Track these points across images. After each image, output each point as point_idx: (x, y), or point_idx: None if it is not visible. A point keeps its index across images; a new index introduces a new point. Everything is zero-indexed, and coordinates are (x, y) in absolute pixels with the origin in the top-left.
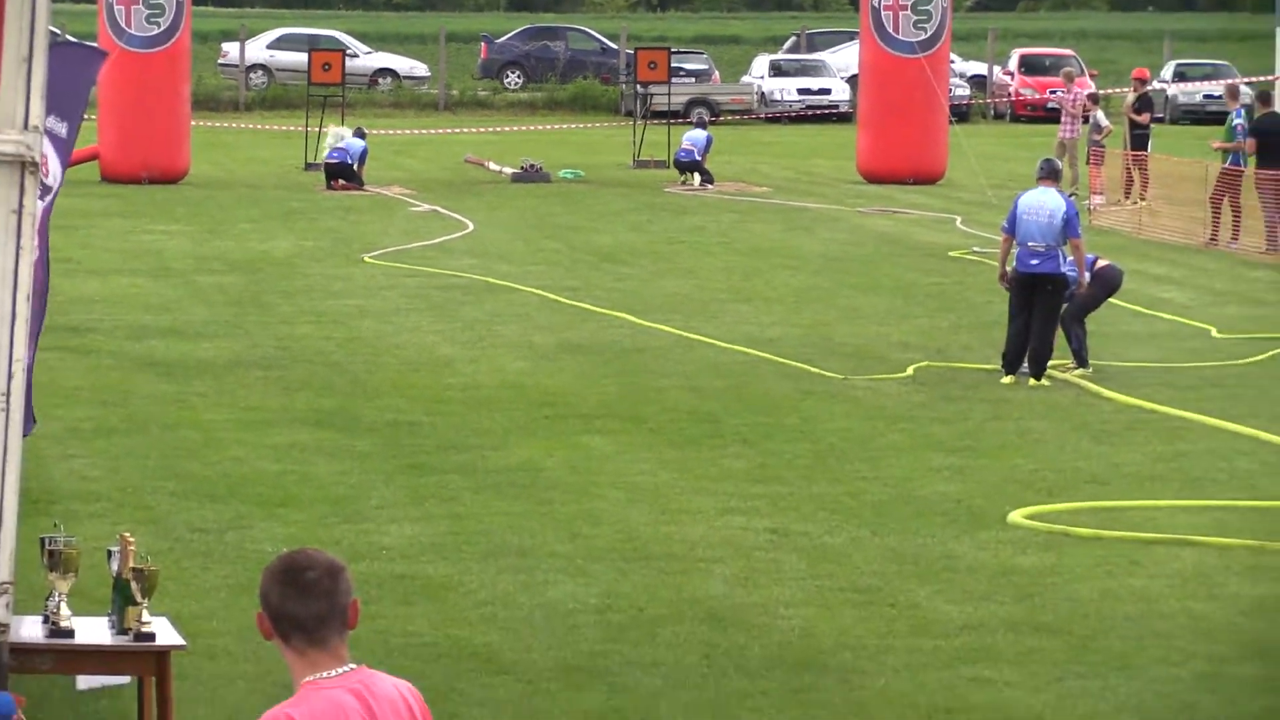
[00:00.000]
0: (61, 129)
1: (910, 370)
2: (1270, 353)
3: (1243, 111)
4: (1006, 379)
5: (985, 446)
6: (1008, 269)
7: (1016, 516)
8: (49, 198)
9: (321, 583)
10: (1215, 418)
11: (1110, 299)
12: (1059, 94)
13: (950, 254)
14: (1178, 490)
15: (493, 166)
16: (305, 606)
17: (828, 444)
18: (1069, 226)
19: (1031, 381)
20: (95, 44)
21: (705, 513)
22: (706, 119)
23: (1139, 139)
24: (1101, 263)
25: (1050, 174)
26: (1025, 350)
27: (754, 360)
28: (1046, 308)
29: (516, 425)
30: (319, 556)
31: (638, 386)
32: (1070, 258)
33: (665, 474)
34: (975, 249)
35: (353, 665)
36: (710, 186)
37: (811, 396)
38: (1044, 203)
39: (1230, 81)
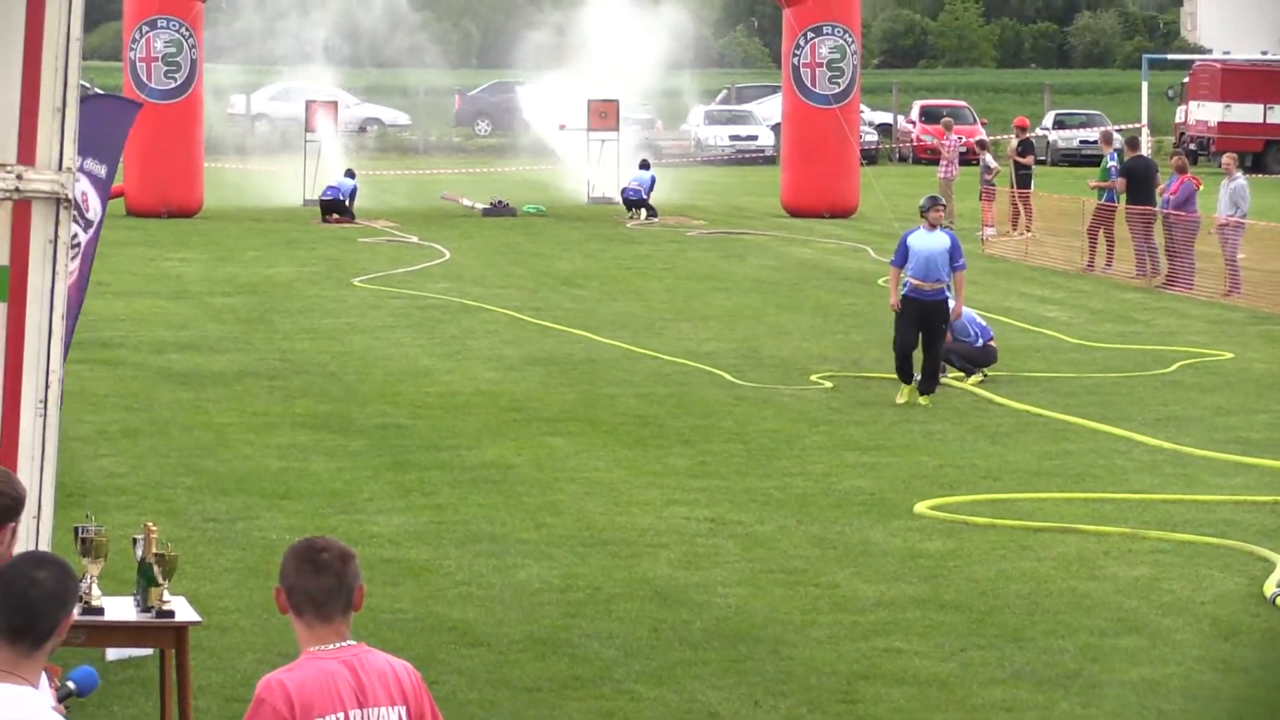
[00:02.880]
0: (101, 170)
1: (826, 379)
2: (1176, 364)
3: (1115, 155)
4: (905, 390)
5: (895, 446)
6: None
7: (922, 507)
8: (92, 230)
9: (333, 563)
10: (1094, 421)
11: (994, 318)
12: (946, 141)
13: (879, 281)
14: (1062, 484)
15: (466, 202)
16: (317, 581)
17: (758, 444)
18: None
19: (921, 399)
20: (125, 96)
21: (652, 504)
22: (650, 161)
23: (1023, 178)
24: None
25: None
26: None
27: (693, 371)
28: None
29: (488, 428)
30: (334, 542)
31: (593, 394)
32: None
33: (617, 470)
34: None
35: (352, 641)
36: (655, 220)
37: (744, 403)
38: (934, 238)
39: (1104, 129)
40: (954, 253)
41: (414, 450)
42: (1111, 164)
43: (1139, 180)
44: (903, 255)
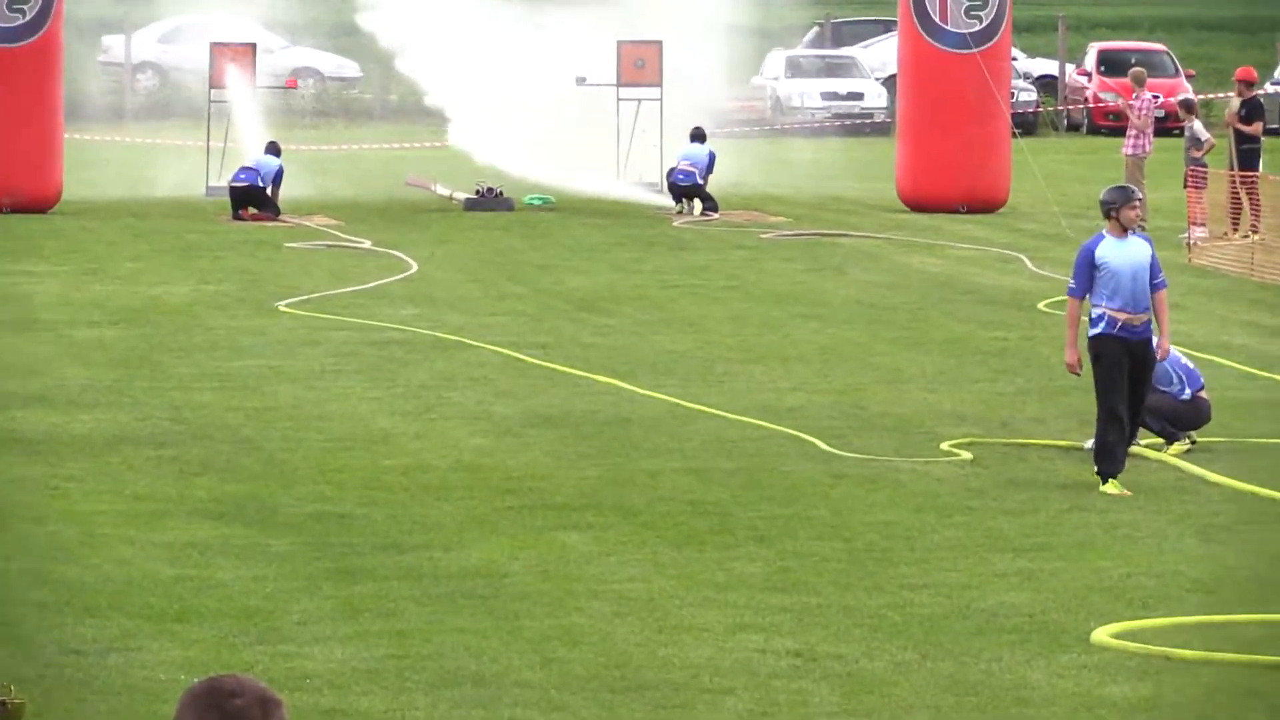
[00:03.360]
0: None
1: (963, 448)
2: None
3: None
4: (1108, 488)
5: (1062, 545)
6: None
7: (1103, 635)
8: None
9: (250, 713)
10: None
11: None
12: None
13: (1040, 305)
14: None
15: (441, 190)
16: None
17: (865, 542)
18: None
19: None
20: None
21: (712, 630)
22: (706, 131)
23: (1248, 155)
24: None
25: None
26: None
27: (771, 435)
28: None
29: (473, 518)
30: (250, 684)
31: (625, 469)
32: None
33: (661, 580)
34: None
35: None
36: (714, 215)
37: (844, 481)
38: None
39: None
40: (1153, 266)
41: (365, 551)
42: None
43: None
44: (1086, 278)
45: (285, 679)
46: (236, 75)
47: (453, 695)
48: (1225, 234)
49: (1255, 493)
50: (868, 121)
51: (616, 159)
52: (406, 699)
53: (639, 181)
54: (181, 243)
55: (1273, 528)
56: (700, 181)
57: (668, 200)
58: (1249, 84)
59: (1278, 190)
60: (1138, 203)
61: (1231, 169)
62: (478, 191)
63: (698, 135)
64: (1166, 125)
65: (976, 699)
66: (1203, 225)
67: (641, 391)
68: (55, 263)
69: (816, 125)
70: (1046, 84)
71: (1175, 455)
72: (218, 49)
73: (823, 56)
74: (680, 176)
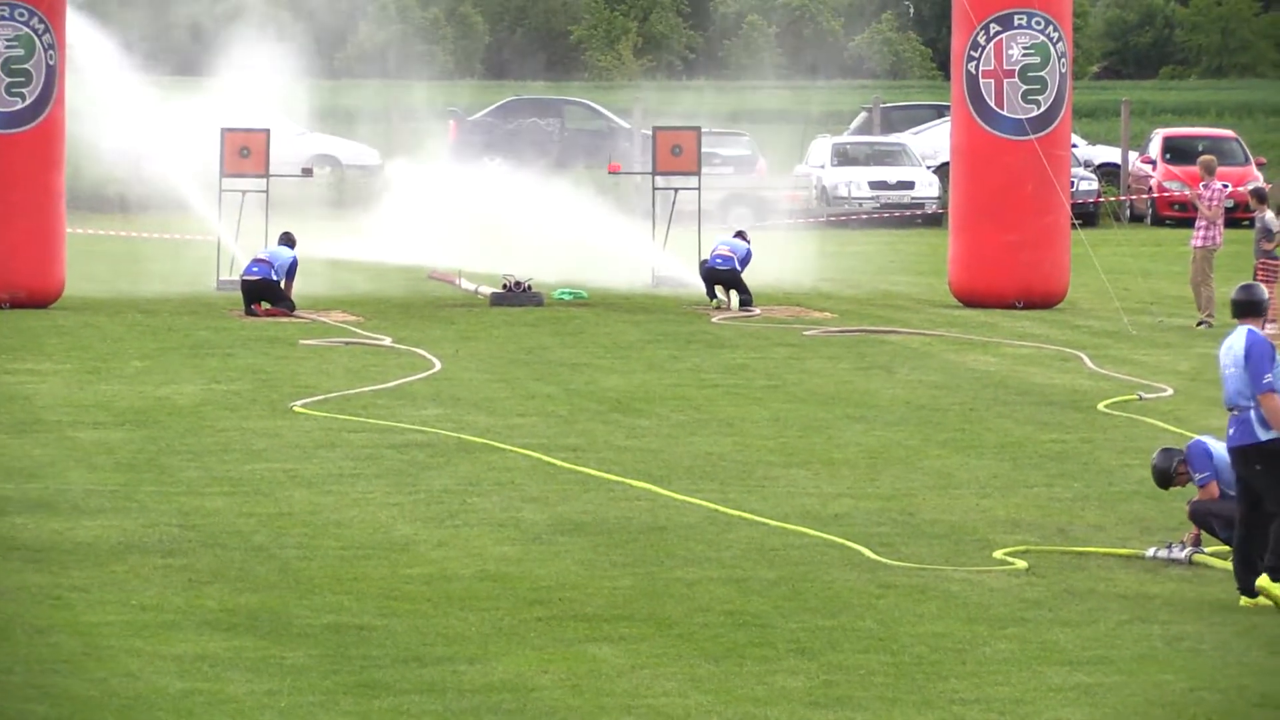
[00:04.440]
0: None
1: (1019, 556)
2: None
3: None
4: (1246, 601)
5: (1123, 658)
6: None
7: None
8: None
9: None
10: None
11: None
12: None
13: (1101, 406)
14: None
15: (466, 285)
16: None
17: (914, 655)
18: (1253, 374)
19: (1244, 601)
20: None
21: None
22: (748, 229)
23: None
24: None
25: (1249, 307)
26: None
27: (814, 543)
28: (1268, 495)
29: (499, 630)
30: None
31: (660, 578)
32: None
33: (698, 695)
34: (1141, 395)
35: None
36: (754, 310)
37: (891, 591)
38: (1232, 346)
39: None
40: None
41: (385, 665)
42: None
43: None
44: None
45: None
46: (249, 162)
47: None
48: None
49: None
50: (919, 212)
51: (650, 255)
52: None
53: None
54: (190, 340)
55: None
56: (738, 269)
57: (700, 285)
58: None
59: None
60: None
61: None
62: (505, 286)
63: (741, 235)
64: (1236, 215)
65: None
66: (1274, 320)
67: (678, 497)
68: (57, 360)
69: (865, 216)
70: (1109, 172)
71: (1224, 561)
72: (230, 135)
73: (871, 144)
74: (718, 261)
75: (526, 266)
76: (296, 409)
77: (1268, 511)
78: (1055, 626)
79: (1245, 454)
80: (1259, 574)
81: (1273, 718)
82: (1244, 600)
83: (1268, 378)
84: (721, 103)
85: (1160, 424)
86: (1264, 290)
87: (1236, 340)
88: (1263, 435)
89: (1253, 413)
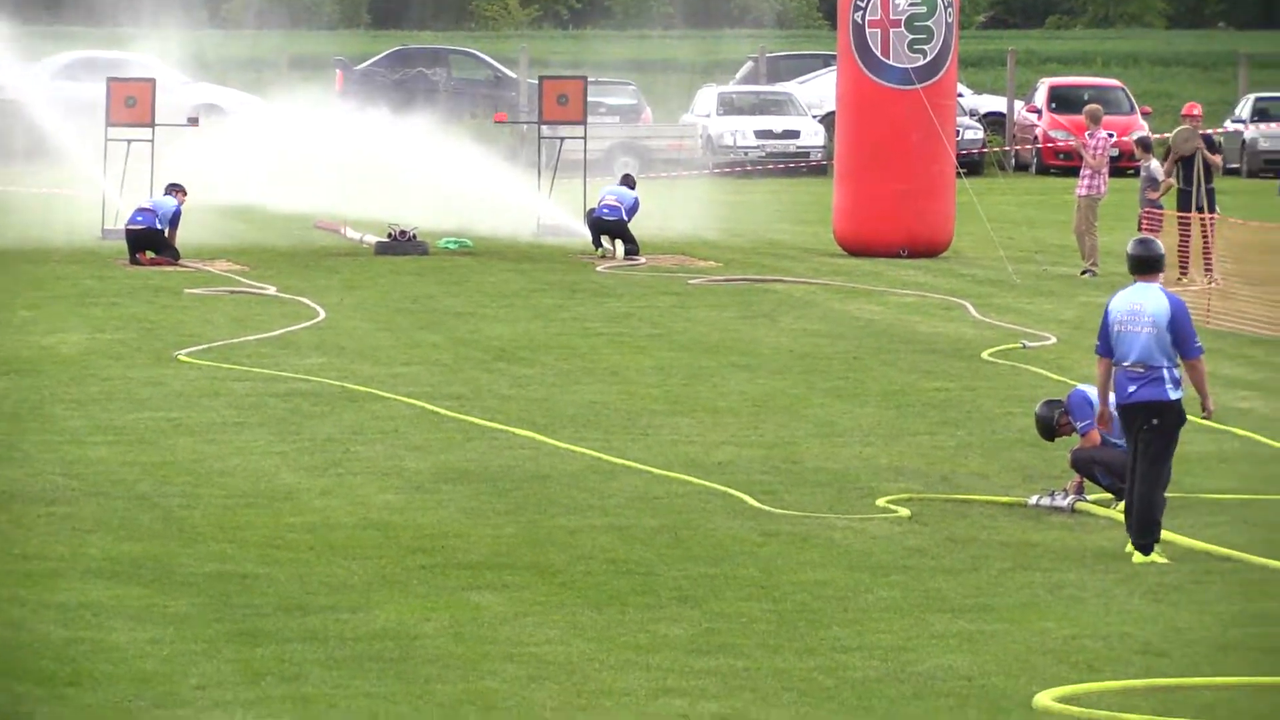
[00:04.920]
0: None
1: (902, 504)
2: None
3: None
4: (1140, 557)
5: (1005, 606)
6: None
7: (1046, 700)
8: None
9: None
10: None
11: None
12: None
13: (984, 354)
14: (1259, 663)
15: (351, 234)
16: None
17: (796, 602)
18: (1182, 338)
19: (1136, 557)
20: None
21: (634, 694)
22: (635, 177)
23: (1211, 195)
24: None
25: (1149, 263)
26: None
27: (697, 491)
28: (1153, 448)
29: (382, 578)
30: None
31: (543, 527)
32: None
33: (580, 643)
34: (1025, 343)
35: None
36: (639, 260)
37: (774, 539)
38: (1145, 306)
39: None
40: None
41: (268, 613)
42: None
43: None
44: (1105, 334)
45: None
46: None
47: None
48: (1179, 279)
49: (1208, 551)
50: (804, 162)
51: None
52: None
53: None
54: (76, 289)
55: (1225, 586)
56: (625, 219)
57: (586, 234)
58: (1193, 120)
59: (1234, 235)
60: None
61: (1199, 210)
62: (390, 235)
63: (627, 181)
64: (1121, 164)
65: None
66: (1163, 271)
67: (562, 445)
68: None
69: (750, 165)
70: (994, 122)
71: (1119, 512)
72: (115, 85)
73: (757, 93)
74: (605, 211)
75: (412, 215)
76: (181, 358)
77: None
78: (938, 574)
79: (1151, 410)
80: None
81: (1154, 664)
82: (1137, 557)
83: (1198, 342)
84: (608, 52)
85: (1043, 372)
86: (1161, 245)
87: (1153, 301)
88: (1173, 394)
89: (1166, 372)
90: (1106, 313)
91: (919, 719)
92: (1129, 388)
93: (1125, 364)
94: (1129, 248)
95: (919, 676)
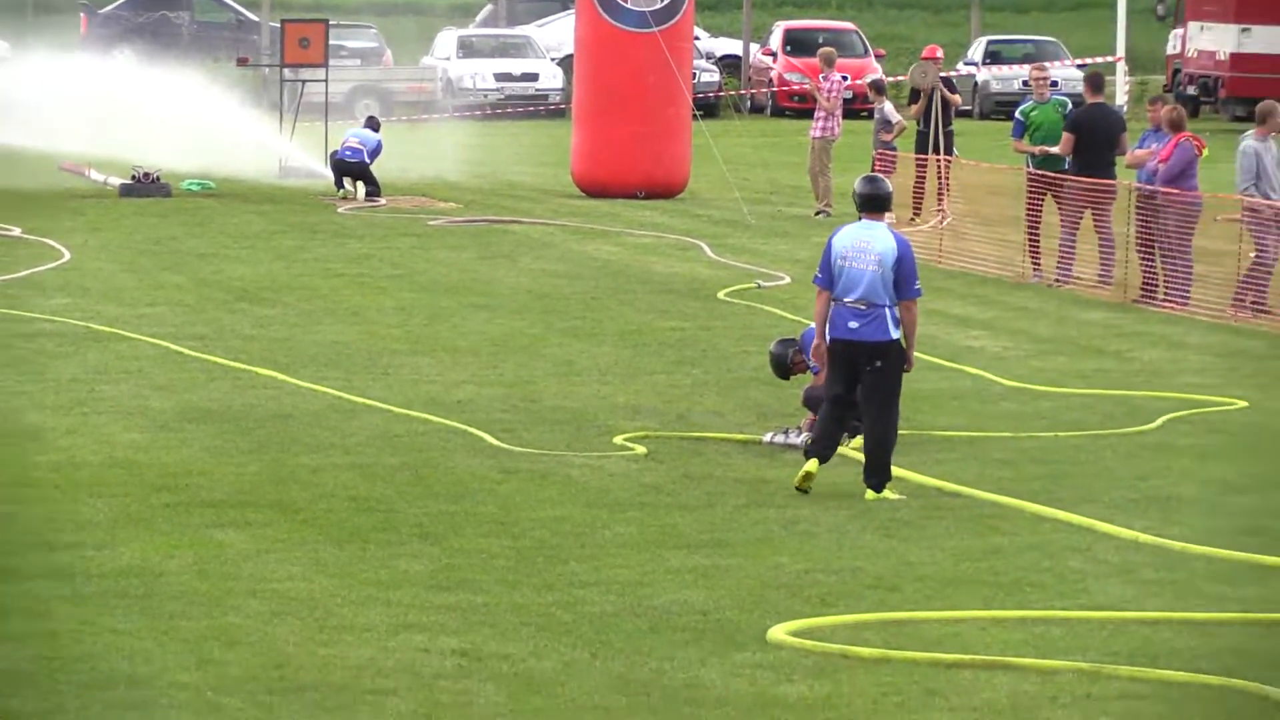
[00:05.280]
0: None
1: (638, 441)
2: (1163, 418)
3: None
4: (810, 465)
5: (740, 541)
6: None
7: (780, 633)
8: None
9: None
10: (1037, 503)
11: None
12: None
13: (720, 294)
14: (990, 597)
15: (95, 176)
16: None
17: (534, 539)
18: (904, 278)
19: (870, 494)
20: None
21: (374, 630)
22: (379, 119)
23: (950, 137)
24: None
25: (877, 201)
26: (836, 441)
27: (438, 430)
28: (882, 389)
29: (127, 516)
30: None
31: (286, 465)
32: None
33: (322, 579)
34: (760, 283)
35: None
36: (380, 201)
37: (513, 477)
38: (872, 244)
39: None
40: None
41: (14, 550)
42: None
43: (1092, 141)
44: (826, 267)
45: None
46: None
47: (105, 697)
48: (911, 219)
49: (939, 487)
50: (543, 104)
51: (278, 145)
52: (56, 701)
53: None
54: None
55: (955, 521)
56: (367, 161)
57: (328, 175)
58: (934, 62)
59: (967, 175)
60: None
61: (935, 151)
62: (134, 177)
63: (372, 124)
64: (855, 107)
65: (648, 699)
66: (890, 210)
67: (303, 385)
68: None
69: (490, 109)
70: (730, 65)
71: (856, 449)
72: None
73: (496, 36)
74: (347, 153)
75: (155, 157)
76: None
77: (866, 407)
78: (674, 510)
79: (875, 351)
80: (837, 445)
81: (885, 598)
82: (812, 465)
83: (918, 284)
84: None
85: (778, 311)
86: (889, 184)
87: (880, 239)
88: (895, 333)
89: (887, 311)
90: (830, 246)
91: (655, 653)
92: (850, 323)
93: (847, 300)
94: (857, 186)
95: (655, 611)
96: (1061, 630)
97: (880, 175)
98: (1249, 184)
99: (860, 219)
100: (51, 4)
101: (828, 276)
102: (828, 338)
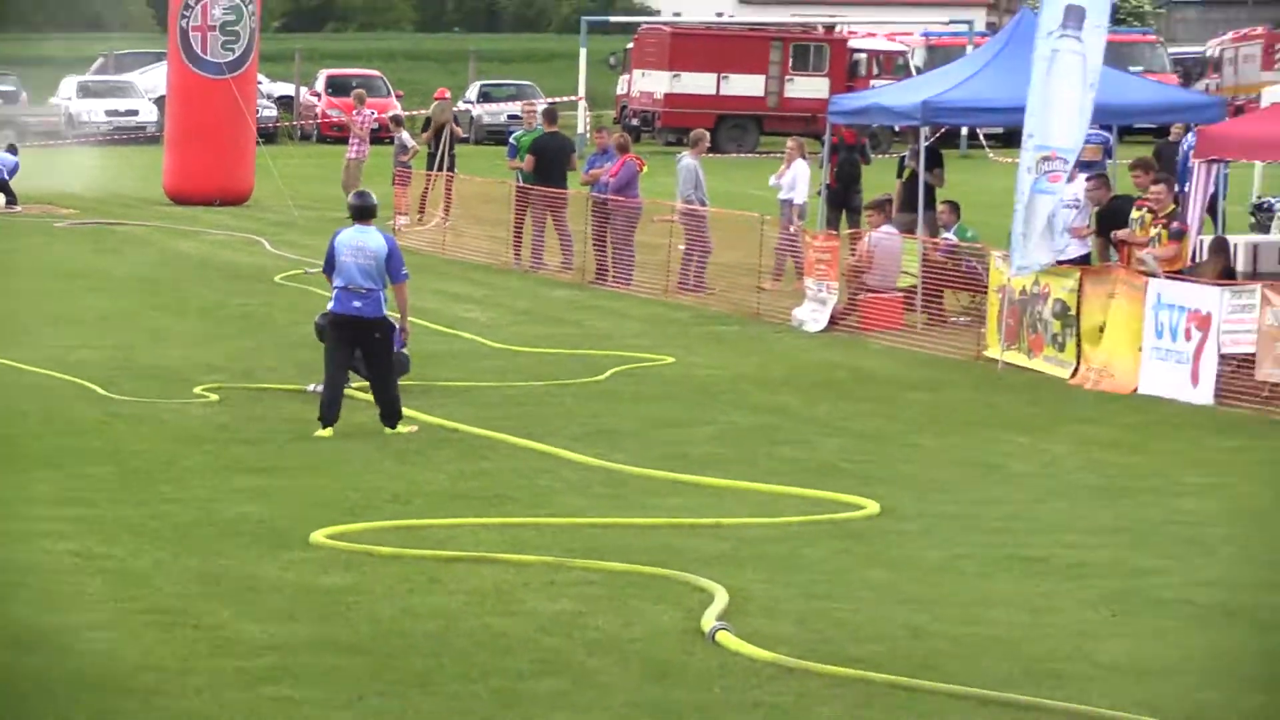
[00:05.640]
0: None
1: (213, 391)
2: (610, 371)
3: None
4: (324, 432)
5: (289, 467)
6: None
7: (319, 536)
8: None
9: None
10: (516, 436)
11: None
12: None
13: (277, 278)
14: (479, 508)
15: None
16: None
17: (134, 466)
18: (394, 267)
19: (387, 430)
20: None
21: (9, 536)
22: (17, 145)
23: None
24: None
25: (366, 211)
26: (339, 403)
27: (60, 384)
28: (382, 355)
29: None
30: None
31: None
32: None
33: None
34: (308, 270)
35: None
36: (17, 208)
37: (118, 419)
38: (366, 244)
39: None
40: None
41: None
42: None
43: (549, 160)
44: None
45: None
46: None
47: None
48: (418, 220)
49: (441, 424)
50: (142, 134)
51: None
52: None
53: None
54: None
55: (453, 451)
56: (6, 178)
57: None
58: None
59: (465, 188)
60: None
61: (442, 168)
62: None
63: (11, 149)
64: (380, 135)
65: (218, 589)
66: (405, 214)
67: None
68: None
69: (102, 137)
70: (285, 103)
71: (363, 390)
72: None
73: (107, 80)
74: None
75: None
76: None
77: (371, 368)
78: (239, 444)
79: (375, 325)
80: (340, 406)
81: (400, 510)
82: (326, 431)
83: (405, 270)
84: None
85: (320, 292)
86: (374, 196)
87: (373, 240)
88: (386, 311)
89: (380, 294)
90: (334, 245)
91: (225, 553)
92: (354, 303)
93: (350, 286)
94: (350, 199)
95: (224, 521)
96: (533, 532)
97: (368, 190)
98: (689, 192)
99: (354, 225)
100: None
101: (330, 266)
102: (336, 314)
